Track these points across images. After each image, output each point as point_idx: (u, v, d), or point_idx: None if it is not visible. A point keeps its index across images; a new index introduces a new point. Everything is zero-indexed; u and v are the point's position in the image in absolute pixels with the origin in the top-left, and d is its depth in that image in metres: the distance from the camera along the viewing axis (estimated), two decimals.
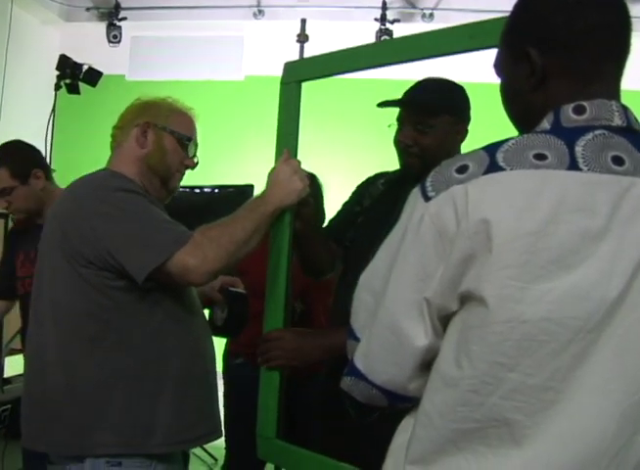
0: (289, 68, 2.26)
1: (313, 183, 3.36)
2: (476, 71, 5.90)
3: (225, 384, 3.44)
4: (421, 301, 1.18)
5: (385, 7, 7.60)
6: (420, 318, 1.19)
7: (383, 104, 2.23)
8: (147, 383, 2.01)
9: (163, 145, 2.22)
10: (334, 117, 8.04)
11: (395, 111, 2.31)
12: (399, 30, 7.35)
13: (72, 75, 6.27)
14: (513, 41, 1.31)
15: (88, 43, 8.06)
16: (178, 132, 2.24)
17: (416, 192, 1.24)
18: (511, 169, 1.15)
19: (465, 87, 2.31)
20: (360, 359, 1.28)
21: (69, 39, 8.51)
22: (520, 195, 1.12)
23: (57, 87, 6.31)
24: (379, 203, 2.35)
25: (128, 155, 2.22)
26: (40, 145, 5.89)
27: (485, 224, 1.11)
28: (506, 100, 1.37)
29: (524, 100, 1.30)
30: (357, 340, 1.31)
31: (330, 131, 7.95)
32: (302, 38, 2.30)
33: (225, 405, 3.41)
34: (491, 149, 1.20)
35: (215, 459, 5.15)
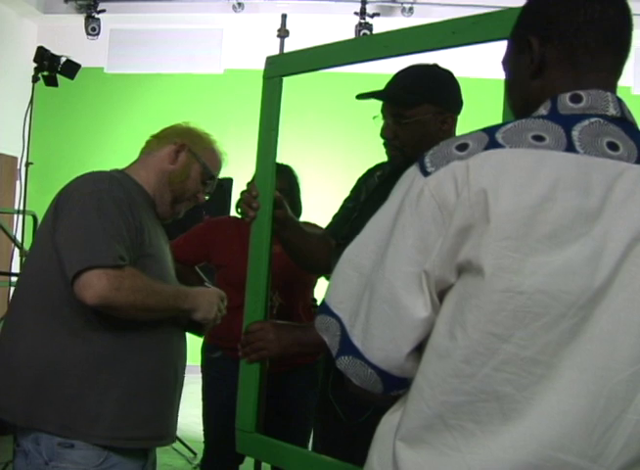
0: (271, 62, 2.25)
1: (289, 175, 3.36)
2: (463, 66, 5.94)
3: (203, 378, 3.43)
4: (420, 273, 1.19)
5: (364, 1, 7.60)
6: (419, 291, 1.20)
7: (360, 96, 2.22)
8: (101, 375, 2.04)
9: (189, 170, 2.32)
10: (314, 110, 8.05)
11: (376, 103, 2.29)
12: (379, 24, 7.36)
13: (50, 68, 6.22)
14: (518, 33, 1.36)
15: (66, 36, 8.03)
16: (207, 166, 2.35)
17: (413, 169, 1.25)
18: (510, 147, 1.18)
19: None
20: (357, 336, 1.27)
21: (47, 31, 8.46)
22: (519, 170, 1.15)
23: (34, 79, 6.27)
24: (372, 198, 2.32)
25: (154, 164, 2.31)
26: (18, 137, 5.87)
27: (485, 194, 1.14)
28: (509, 92, 1.41)
29: (523, 88, 1.34)
30: (332, 316, 1.30)
31: (310, 124, 7.96)
32: (283, 33, 2.29)
33: (203, 399, 3.41)
34: (490, 130, 1.23)
35: (194, 453, 5.14)
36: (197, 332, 2.32)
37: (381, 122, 2.26)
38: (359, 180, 2.48)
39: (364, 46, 2.17)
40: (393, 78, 2.25)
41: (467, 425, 1.17)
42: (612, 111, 1.24)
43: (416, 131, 2.17)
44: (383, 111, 2.26)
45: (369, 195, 2.38)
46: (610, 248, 1.14)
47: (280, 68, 2.23)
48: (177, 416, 2.28)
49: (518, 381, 1.15)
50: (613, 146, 1.19)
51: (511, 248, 1.13)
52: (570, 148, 1.17)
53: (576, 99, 1.25)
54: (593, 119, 1.22)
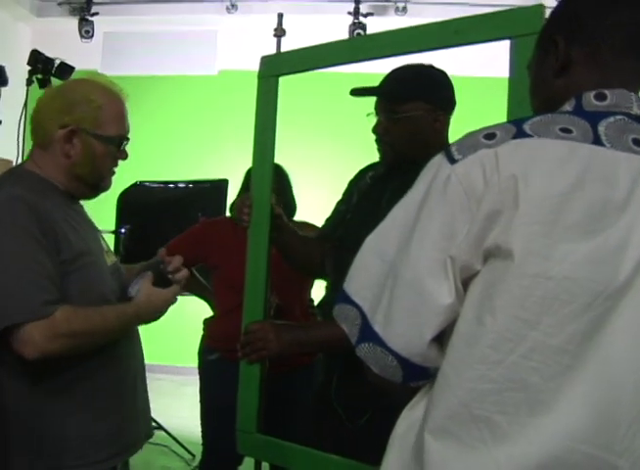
0: (266, 62, 2.25)
1: (279, 174, 3.36)
2: (460, 65, 5.94)
3: (201, 379, 3.43)
4: (445, 259, 1.19)
5: (358, 0, 7.59)
6: (444, 277, 1.20)
7: (354, 91, 2.21)
8: (55, 405, 1.92)
9: (92, 152, 2.01)
10: (309, 110, 8.05)
11: (371, 103, 2.29)
12: (373, 24, 7.35)
13: (44, 70, 6.21)
14: (545, 35, 1.38)
15: (60, 39, 8.01)
16: (108, 136, 2.03)
17: (439, 157, 1.26)
18: (539, 137, 1.20)
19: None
20: (379, 323, 1.26)
21: (41, 35, 8.45)
22: (549, 158, 1.17)
23: (28, 82, 6.26)
24: (365, 200, 2.32)
25: (53, 161, 2.02)
26: (13, 140, 5.86)
27: (515, 180, 1.16)
28: (533, 92, 1.43)
29: (547, 87, 1.37)
30: (352, 304, 1.30)
31: (305, 124, 7.95)
32: (279, 32, 2.28)
33: (201, 401, 3.40)
34: (517, 122, 1.25)
35: (193, 455, 5.13)
36: None
37: (374, 120, 2.26)
38: (350, 182, 2.46)
39: (364, 46, 2.17)
40: (387, 75, 2.25)
41: (493, 416, 1.17)
42: (635, 110, 1.26)
43: (407, 127, 2.17)
44: (376, 108, 2.26)
45: (361, 196, 2.37)
46: (634, 241, 1.15)
47: (274, 68, 2.23)
48: (148, 414, 2.19)
49: (545, 370, 1.15)
50: (638, 142, 1.20)
51: (540, 233, 1.14)
52: (596, 141, 1.19)
53: (601, 97, 1.27)
54: (618, 117, 1.24)
